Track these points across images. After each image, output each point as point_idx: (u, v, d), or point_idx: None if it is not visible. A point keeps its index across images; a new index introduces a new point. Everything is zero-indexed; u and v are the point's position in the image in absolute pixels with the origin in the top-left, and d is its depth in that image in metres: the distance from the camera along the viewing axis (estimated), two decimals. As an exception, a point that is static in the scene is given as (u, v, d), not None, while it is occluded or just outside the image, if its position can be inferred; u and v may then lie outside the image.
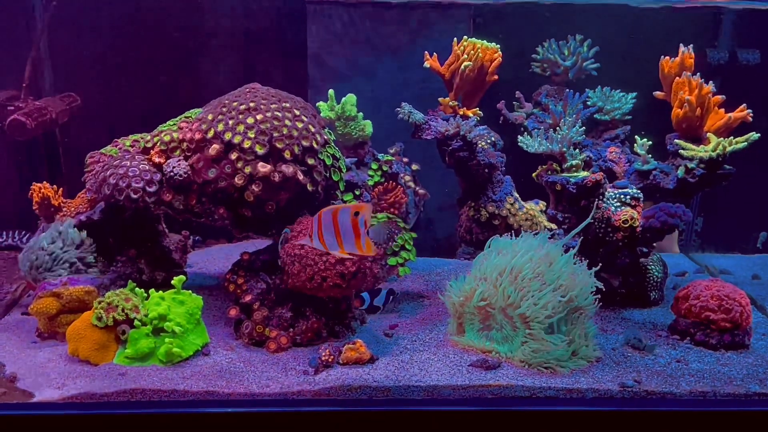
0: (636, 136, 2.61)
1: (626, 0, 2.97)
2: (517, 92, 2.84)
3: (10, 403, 1.80)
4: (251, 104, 2.18)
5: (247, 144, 2.11)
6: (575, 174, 2.42)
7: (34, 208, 2.53)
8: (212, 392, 1.85)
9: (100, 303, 2.03)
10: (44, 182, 2.53)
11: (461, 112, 2.67)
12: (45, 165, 3.08)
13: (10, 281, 2.57)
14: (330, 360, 1.98)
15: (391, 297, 2.37)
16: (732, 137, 2.39)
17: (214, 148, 2.13)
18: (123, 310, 2.02)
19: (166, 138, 2.23)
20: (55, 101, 2.98)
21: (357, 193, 2.64)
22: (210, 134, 2.16)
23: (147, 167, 2.19)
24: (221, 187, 2.14)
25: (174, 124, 2.30)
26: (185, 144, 2.20)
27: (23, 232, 2.85)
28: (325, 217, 1.82)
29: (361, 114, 2.69)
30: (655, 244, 2.45)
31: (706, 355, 2.11)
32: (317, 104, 2.65)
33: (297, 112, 2.21)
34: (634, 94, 2.77)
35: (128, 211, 2.36)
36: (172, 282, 2.10)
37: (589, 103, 2.75)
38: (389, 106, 2.67)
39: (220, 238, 3.21)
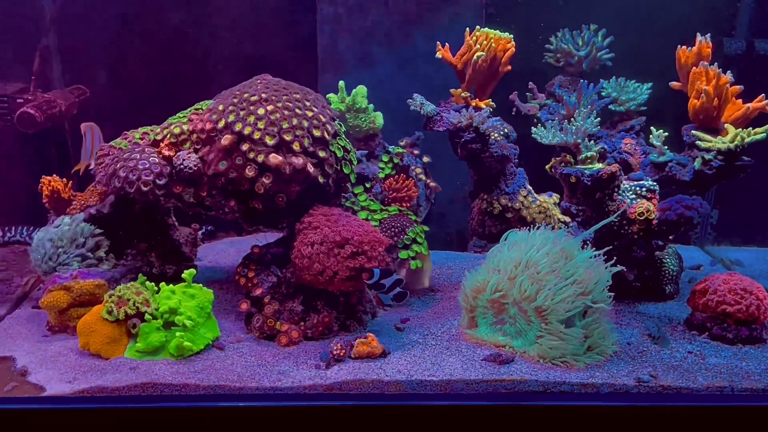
0: (651, 127, 2.57)
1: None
2: (530, 83, 2.80)
3: (20, 397, 1.80)
4: (263, 95, 2.16)
5: (257, 135, 2.09)
6: (590, 166, 2.38)
7: (43, 201, 2.52)
8: (223, 386, 1.84)
9: (110, 296, 2.02)
10: (54, 175, 2.52)
11: (474, 104, 2.64)
12: (55, 158, 3.08)
13: (20, 275, 2.57)
14: (342, 354, 1.97)
15: (398, 288, 2.13)
16: (750, 128, 2.35)
17: (227, 138, 2.10)
18: (134, 304, 2.00)
19: (176, 130, 2.21)
20: (64, 94, 2.97)
21: (368, 185, 2.62)
22: (221, 124, 2.14)
23: (157, 160, 2.17)
24: (232, 178, 2.12)
25: (184, 116, 2.29)
26: (195, 136, 2.18)
27: (31, 228, 2.85)
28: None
29: (371, 106, 2.66)
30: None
31: (723, 350, 2.08)
32: (327, 96, 2.63)
33: (307, 103, 2.19)
34: (650, 84, 2.73)
35: (138, 204, 2.35)
36: (183, 275, 2.09)
37: (603, 93, 2.71)
38: (400, 97, 2.64)
39: (229, 231, 3.20)
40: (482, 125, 2.48)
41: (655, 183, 2.40)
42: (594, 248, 2.10)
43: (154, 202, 2.27)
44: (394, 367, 1.94)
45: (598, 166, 2.38)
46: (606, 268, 2.05)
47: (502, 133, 2.58)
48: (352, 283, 2.05)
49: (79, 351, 2.00)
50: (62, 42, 3.02)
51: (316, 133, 2.16)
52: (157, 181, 2.14)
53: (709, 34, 2.48)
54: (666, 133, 2.54)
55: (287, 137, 2.11)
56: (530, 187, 2.69)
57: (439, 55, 2.62)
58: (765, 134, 2.32)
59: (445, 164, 2.85)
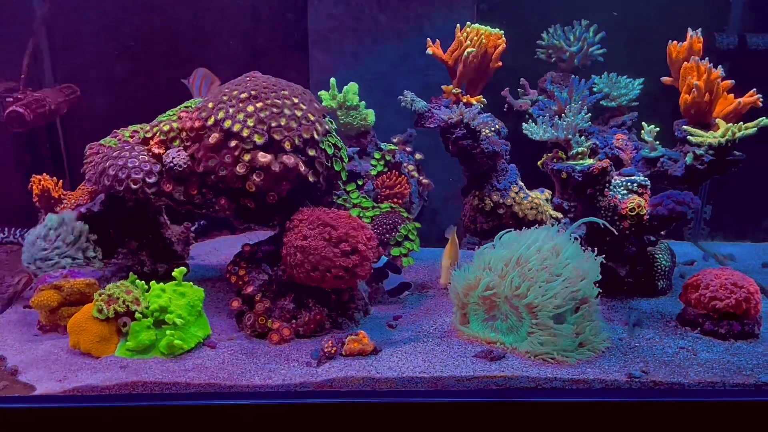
0: (643, 123, 2.57)
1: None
2: (521, 79, 2.80)
3: (11, 396, 1.80)
4: (252, 92, 2.15)
5: (246, 132, 2.09)
6: (581, 162, 2.38)
7: (34, 200, 2.51)
8: (214, 384, 1.84)
9: (100, 295, 2.02)
10: (44, 174, 2.51)
11: (465, 100, 2.63)
12: (48, 157, 3.07)
13: (12, 274, 2.56)
14: (333, 351, 1.96)
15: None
16: (741, 123, 2.35)
17: (214, 137, 2.10)
18: (124, 302, 2.00)
19: (166, 128, 2.20)
20: (54, 92, 2.95)
21: (360, 183, 2.61)
22: (210, 122, 2.13)
23: (146, 158, 2.16)
24: (222, 176, 2.11)
25: (173, 114, 2.28)
26: (185, 133, 2.18)
27: (24, 229, 2.84)
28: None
29: (363, 103, 2.65)
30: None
31: (715, 345, 2.09)
32: (319, 93, 2.62)
33: (296, 100, 2.18)
34: (641, 80, 2.73)
35: (129, 203, 2.34)
36: (173, 274, 2.08)
37: (595, 89, 2.71)
38: (392, 94, 2.63)
39: (222, 230, 3.19)
40: (473, 121, 2.47)
41: (646, 178, 2.40)
42: (585, 245, 2.10)
43: (145, 201, 2.26)
44: (385, 364, 1.93)
45: (589, 161, 2.37)
46: (596, 258, 2.05)
47: (493, 129, 2.57)
48: (345, 280, 2.05)
49: (70, 350, 2.00)
50: (53, 40, 3.01)
51: (305, 134, 2.15)
52: (147, 179, 2.13)
53: (700, 29, 2.47)
54: (657, 129, 2.54)
55: (277, 136, 2.10)
56: (522, 183, 2.68)
57: (429, 51, 2.61)
58: (756, 129, 2.32)
59: (438, 161, 2.84)
